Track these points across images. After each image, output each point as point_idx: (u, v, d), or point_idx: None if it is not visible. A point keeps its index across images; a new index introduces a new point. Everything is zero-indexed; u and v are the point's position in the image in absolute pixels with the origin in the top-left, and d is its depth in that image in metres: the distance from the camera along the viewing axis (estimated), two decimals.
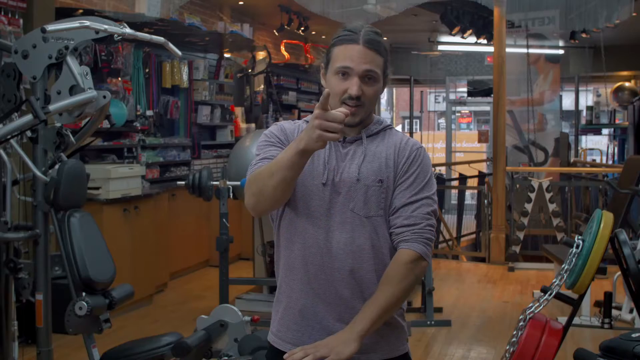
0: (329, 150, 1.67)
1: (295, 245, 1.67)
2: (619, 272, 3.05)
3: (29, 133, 2.81)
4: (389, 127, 1.75)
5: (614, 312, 4.85)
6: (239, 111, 8.65)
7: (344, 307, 1.63)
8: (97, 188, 5.08)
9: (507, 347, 2.26)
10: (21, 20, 4.59)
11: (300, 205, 1.66)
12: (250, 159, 1.78)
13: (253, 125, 8.76)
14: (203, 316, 2.81)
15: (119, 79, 6.15)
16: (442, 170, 11.50)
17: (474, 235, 10.11)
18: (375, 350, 1.66)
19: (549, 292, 2.42)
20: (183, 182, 4.72)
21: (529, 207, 7.09)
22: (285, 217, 1.69)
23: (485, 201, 7.94)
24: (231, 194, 4.54)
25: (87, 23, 2.65)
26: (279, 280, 1.73)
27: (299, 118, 10.25)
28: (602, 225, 2.62)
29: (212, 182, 4.56)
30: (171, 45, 3.05)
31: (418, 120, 15.53)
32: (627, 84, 11.58)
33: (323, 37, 10.61)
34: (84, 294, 2.83)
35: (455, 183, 10.89)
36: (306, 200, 1.65)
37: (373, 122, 1.73)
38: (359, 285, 1.64)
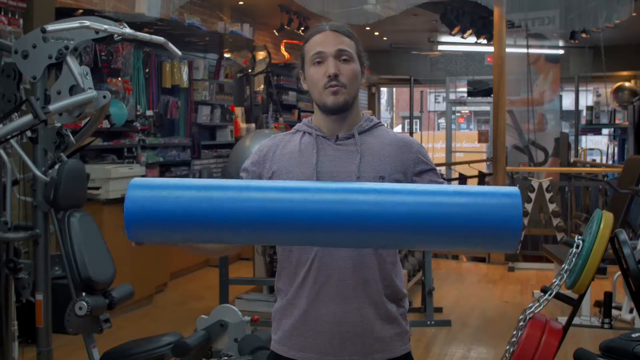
0: (318, 152, 1.66)
1: (294, 251, 1.66)
2: (619, 272, 3.05)
3: (29, 133, 2.81)
4: (379, 124, 1.75)
5: (614, 312, 4.85)
6: (239, 111, 8.65)
7: (346, 307, 1.63)
8: (97, 188, 5.08)
9: (507, 347, 2.26)
10: (21, 20, 4.59)
11: None
12: None
13: (253, 125, 8.76)
14: (203, 316, 2.81)
15: (119, 79, 6.15)
16: (442, 170, 11.49)
17: None
18: (377, 351, 1.66)
19: (549, 292, 2.42)
20: None
21: (529, 207, 7.09)
22: None
23: None
24: None
25: (87, 23, 2.65)
26: (279, 287, 1.73)
27: (298, 118, 10.28)
28: (602, 225, 2.62)
29: None
30: (171, 45, 3.05)
31: (418, 120, 15.52)
32: (627, 84, 11.58)
33: None
34: (84, 294, 2.83)
35: (455, 183, 10.89)
36: None
37: (363, 119, 1.73)
38: (361, 284, 1.64)
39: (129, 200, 1.28)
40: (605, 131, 12.82)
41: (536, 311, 2.32)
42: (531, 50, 8.37)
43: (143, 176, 5.87)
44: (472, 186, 1.31)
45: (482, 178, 10.35)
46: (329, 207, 1.26)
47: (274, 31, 9.07)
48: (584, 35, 9.33)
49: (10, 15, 4.53)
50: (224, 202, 1.27)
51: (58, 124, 2.82)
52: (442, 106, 16.46)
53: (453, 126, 13.24)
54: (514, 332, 2.28)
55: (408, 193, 1.27)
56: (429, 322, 4.97)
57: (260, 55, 8.87)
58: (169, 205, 1.27)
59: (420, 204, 1.25)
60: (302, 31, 8.99)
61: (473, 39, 9.94)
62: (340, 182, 1.35)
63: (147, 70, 6.77)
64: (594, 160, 12.21)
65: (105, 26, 2.69)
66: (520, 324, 2.28)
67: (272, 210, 1.26)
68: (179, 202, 1.27)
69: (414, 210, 1.24)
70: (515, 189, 1.26)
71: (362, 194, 1.27)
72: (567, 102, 14.84)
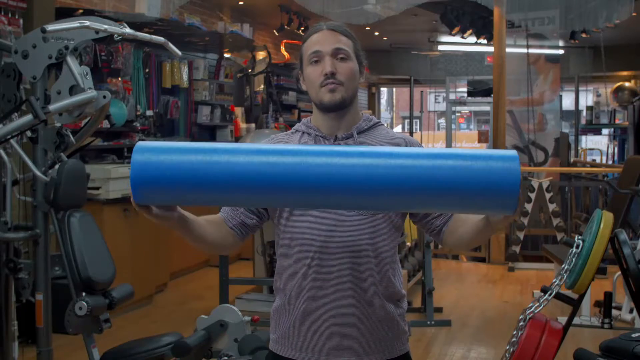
0: None
1: (293, 251, 1.67)
2: (619, 272, 3.05)
3: (29, 133, 2.81)
4: (378, 124, 1.75)
5: (614, 312, 4.85)
6: (239, 111, 8.65)
7: (345, 307, 1.63)
8: (97, 188, 5.08)
9: (507, 347, 2.26)
10: (21, 20, 4.59)
11: (295, 211, 1.65)
12: None
13: (253, 125, 8.76)
14: (203, 316, 2.81)
15: (119, 79, 6.15)
16: None
17: None
18: (375, 351, 1.66)
19: (549, 292, 2.42)
20: None
21: (529, 207, 7.09)
22: (281, 223, 1.69)
23: None
24: None
25: (87, 23, 2.65)
26: (278, 287, 1.73)
27: (298, 118, 10.27)
28: (602, 225, 2.62)
29: None
30: (171, 45, 3.05)
31: (418, 120, 15.52)
32: (627, 84, 11.58)
33: None
34: (84, 294, 2.83)
35: None
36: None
37: (362, 119, 1.73)
38: (359, 284, 1.64)
39: (135, 161, 1.30)
40: (605, 131, 12.81)
41: (536, 311, 2.32)
42: (531, 50, 8.37)
43: None
44: (472, 150, 1.34)
45: None
46: (333, 169, 1.28)
47: (274, 31, 9.07)
48: (584, 35, 9.33)
49: (10, 15, 4.53)
50: (229, 161, 1.29)
51: (58, 124, 2.82)
52: (442, 106, 16.45)
53: (453, 126, 13.24)
54: (514, 332, 2.28)
55: (407, 156, 1.30)
56: (429, 322, 4.97)
57: (260, 55, 8.87)
58: (175, 164, 1.30)
59: (420, 167, 1.28)
60: (302, 31, 9.00)
61: (473, 39, 9.94)
62: (347, 146, 1.38)
63: (147, 70, 6.77)
64: (594, 160, 12.20)
65: (105, 26, 2.69)
66: (520, 324, 2.28)
67: (278, 171, 1.28)
68: (184, 161, 1.30)
69: (413, 172, 1.27)
70: (513, 152, 1.30)
71: (363, 157, 1.29)
72: (567, 102, 14.84)
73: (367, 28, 9.68)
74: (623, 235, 2.83)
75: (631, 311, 4.88)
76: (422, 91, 15.01)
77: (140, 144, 1.34)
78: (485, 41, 9.79)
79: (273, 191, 1.30)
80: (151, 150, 1.32)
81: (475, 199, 1.29)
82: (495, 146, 7.65)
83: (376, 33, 11.11)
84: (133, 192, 1.33)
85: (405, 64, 13.59)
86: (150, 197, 1.36)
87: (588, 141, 13.81)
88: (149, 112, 6.75)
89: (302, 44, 1.72)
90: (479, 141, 12.41)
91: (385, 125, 1.80)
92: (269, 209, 1.72)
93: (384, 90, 19.38)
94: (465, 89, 12.53)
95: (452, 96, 12.44)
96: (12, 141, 2.93)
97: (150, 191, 1.33)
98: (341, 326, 1.63)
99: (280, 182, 1.28)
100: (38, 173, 2.81)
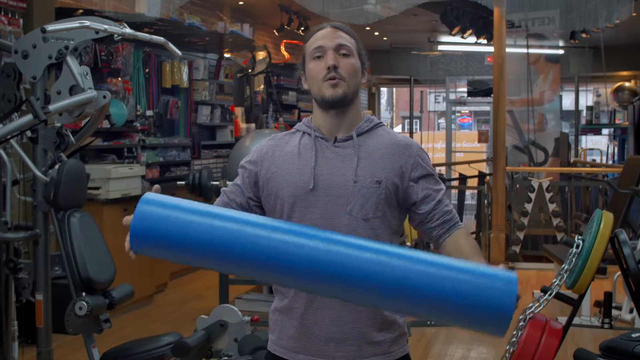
0: (317, 155, 1.65)
1: None
2: (619, 272, 3.06)
3: (29, 133, 2.82)
4: (379, 125, 1.73)
5: (614, 312, 4.85)
6: (239, 111, 8.65)
7: (344, 310, 1.63)
8: (97, 188, 5.08)
9: (507, 347, 2.26)
10: (21, 20, 4.59)
11: (294, 214, 1.64)
12: None
13: (253, 125, 8.76)
14: (203, 316, 2.81)
15: (119, 79, 6.15)
16: (442, 170, 11.48)
17: (474, 235, 10.10)
18: (374, 354, 1.65)
19: (549, 292, 2.42)
20: (183, 182, 4.72)
21: (529, 207, 7.09)
22: None
23: (485, 201, 7.93)
24: None
25: (87, 23, 2.65)
26: (278, 288, 1.73)
27: (299, 118, 10.27)
28: (602, 225, 2.62)
29: (212, 182, 4.56)
30: (171, 45, 3.05)
31: (418, 120, 15.52)
32: (627, 84, 11.57)
33: None
34: (84, 294, 2.83)
35: (455, 183, 10.90)
36: (297, 208, 1.64)
37: (363, 120, 1.72)
38: None
39: (138, 215, 1.29)
40: (605, 131, 12.81)
41: (536, 311, 2.32)
42: (531, 50, 8.37)
43: (143, 176, 5.89)
44: (473, 264, 1.32)
45: (482, 178, 10.34)
46: (334, 258, 1.28)
47: (274, 31, 9.06)
48: (584, 35, 9.32)
49: (10, 15, 4.53)
50: (232, 234, 1.28)
51: (58, 124, 2.82)
52: (442, 106, 16.45)
53: (453, 126, 13.24)
54: (514, 332, 2.28)
55: (410, 259, 1.28)
56: (429, 322, 4.97)
57: (260, 55, 8.87)
58: (177, 227, 1.29)
59: (421, 274, 1.26)
60: (302, 31, 8.99)
61: (473, 39, 9.94)
62: (350, 237, 1.37)
63: (147, 70, 6.77)
64: (594, 160, 12.20)
65: (105, 26, 2.69)
66: (520, 324, 2.28)
67: (276, 252, 1.28)
68: (186, 225, 1.29)
69: (410, 277, 1.26)
70: (513, 275, 1.26)
71: (372, 252, 1.29)
72: (567, 102, 14.84)
73: (367, 28, 9.68)
74: (623, 235, 2.83)
75: (631, 311, 4.88)
76: (422, 91, 15.01)
77: (147, 195, 1.33)
78: (485, 41, 9.78)
79: (276, 273, 1.31)
80: (157, 204, 1.32)
81: (462, 317, 1.27)
82: (495, 146, 7.64)
83: (376, 33, 11.10)
84: (131, 242, 1.33)
85: (405, 64, 13.58)
86: (147, 250, 1.35)
87: (588, 141, 13.80)
88: (149, 112, 6.75)
89: (306, 43, 1.72)
90: (479, 141, 12.41)
91: (386, 125, 1.79)
92: (266, 210, 1.72)
93: (384, 90, 19.37)
94: (465, 89, 12.52)
95: (452, 96, 12.43)
96: (12, 141, 2.94)
97: (150, 246, 1.33)
98: (340, 329, 1.62)
99: (286, 266, 1.29)
100: (38, 173, 2.81)
